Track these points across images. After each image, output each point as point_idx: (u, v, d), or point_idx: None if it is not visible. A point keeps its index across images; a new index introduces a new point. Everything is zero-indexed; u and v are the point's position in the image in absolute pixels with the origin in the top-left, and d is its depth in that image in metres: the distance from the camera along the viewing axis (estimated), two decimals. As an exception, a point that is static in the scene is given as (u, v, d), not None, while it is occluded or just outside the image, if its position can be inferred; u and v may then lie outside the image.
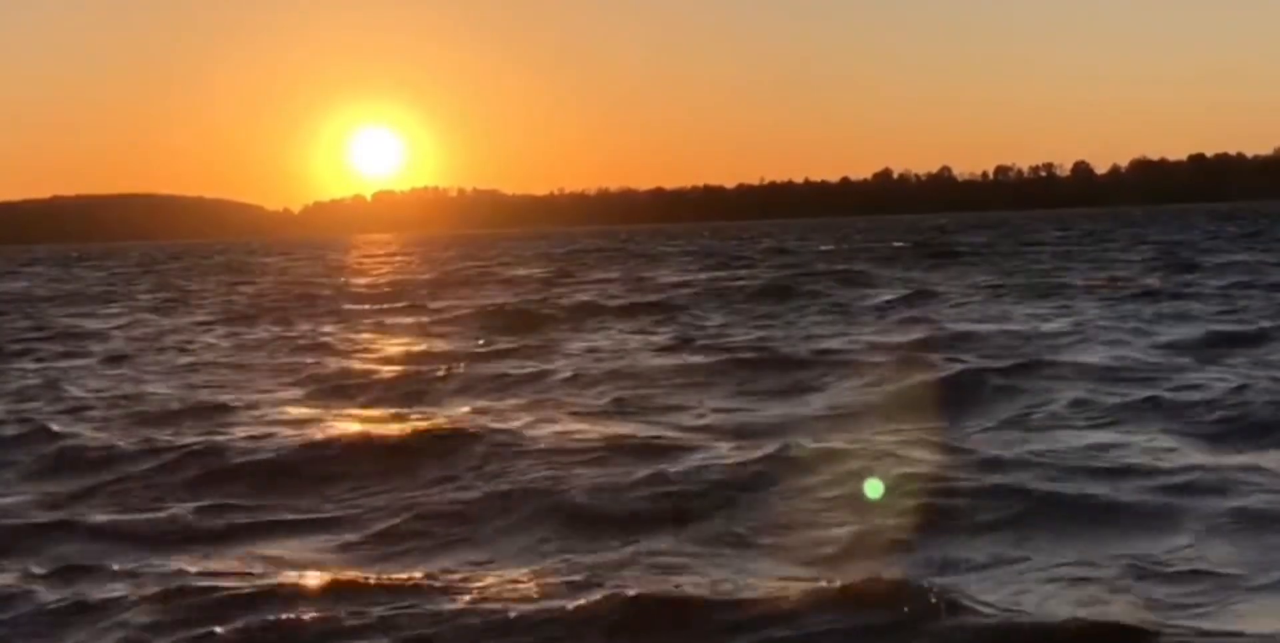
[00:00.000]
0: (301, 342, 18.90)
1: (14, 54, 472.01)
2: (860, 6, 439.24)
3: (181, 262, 75.16)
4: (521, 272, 42.68)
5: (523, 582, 5.99)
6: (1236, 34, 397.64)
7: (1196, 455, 8.34)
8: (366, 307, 26.89)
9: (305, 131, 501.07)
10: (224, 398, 12.72)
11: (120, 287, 42.30)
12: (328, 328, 21.54)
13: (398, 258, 68.50)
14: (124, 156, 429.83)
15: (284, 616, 5.52)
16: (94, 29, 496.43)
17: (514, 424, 10.02)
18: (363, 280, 40.93)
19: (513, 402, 11.81)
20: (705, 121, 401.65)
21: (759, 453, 8.58)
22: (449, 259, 57.72)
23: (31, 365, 16.53)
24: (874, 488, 8.09)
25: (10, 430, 10.59)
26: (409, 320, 22.55)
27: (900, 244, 57.67)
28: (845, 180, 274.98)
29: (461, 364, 14.64)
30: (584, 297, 26.92)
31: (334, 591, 5.87)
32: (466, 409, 11.44)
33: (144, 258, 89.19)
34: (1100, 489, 7.43)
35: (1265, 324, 15.57)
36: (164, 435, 10.07)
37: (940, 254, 43.12)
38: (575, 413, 10.91)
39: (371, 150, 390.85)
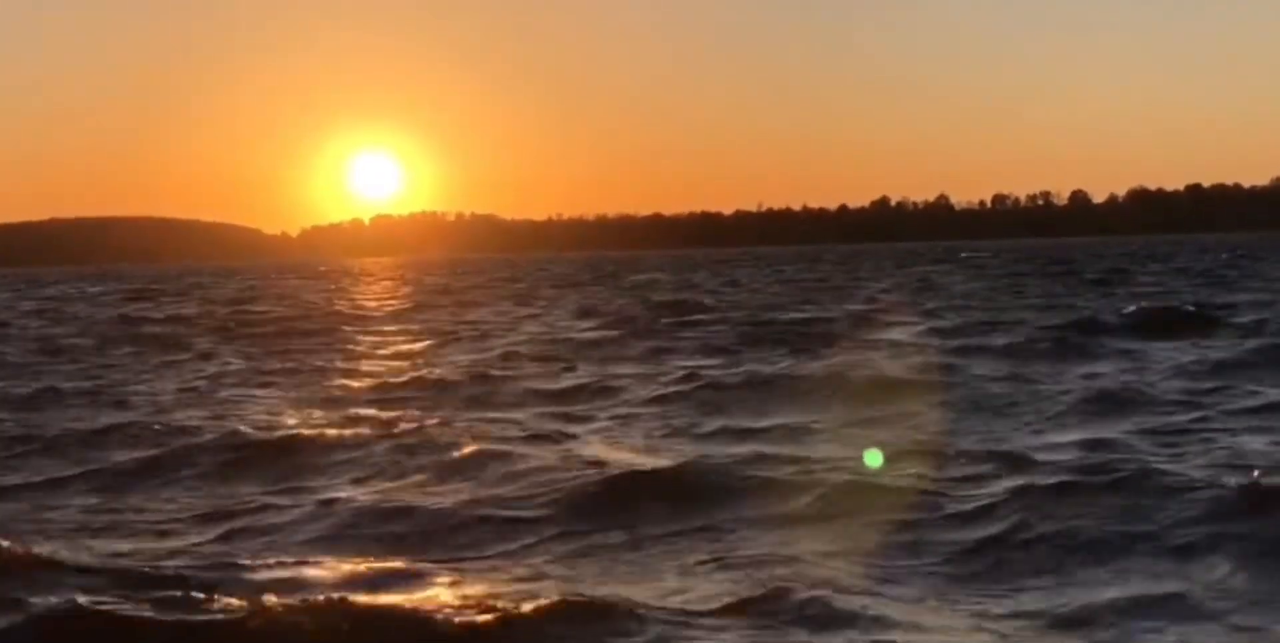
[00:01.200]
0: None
1: (12, 76, 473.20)
2: (859, 35, 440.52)
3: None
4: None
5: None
6: (1235, 65, 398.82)
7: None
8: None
9: (304, 155, 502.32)
10: None
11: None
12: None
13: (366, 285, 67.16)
14: (122, 179, 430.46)
15: None
16: (93, 51, 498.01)
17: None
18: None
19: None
20: (704, 148, 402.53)
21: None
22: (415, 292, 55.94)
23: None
24: (873, 458, 8.76)
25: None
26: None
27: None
28: (843, 208, 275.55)
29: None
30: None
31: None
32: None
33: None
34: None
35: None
36: None
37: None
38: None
39: (370, 175, 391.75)
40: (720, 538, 7.23)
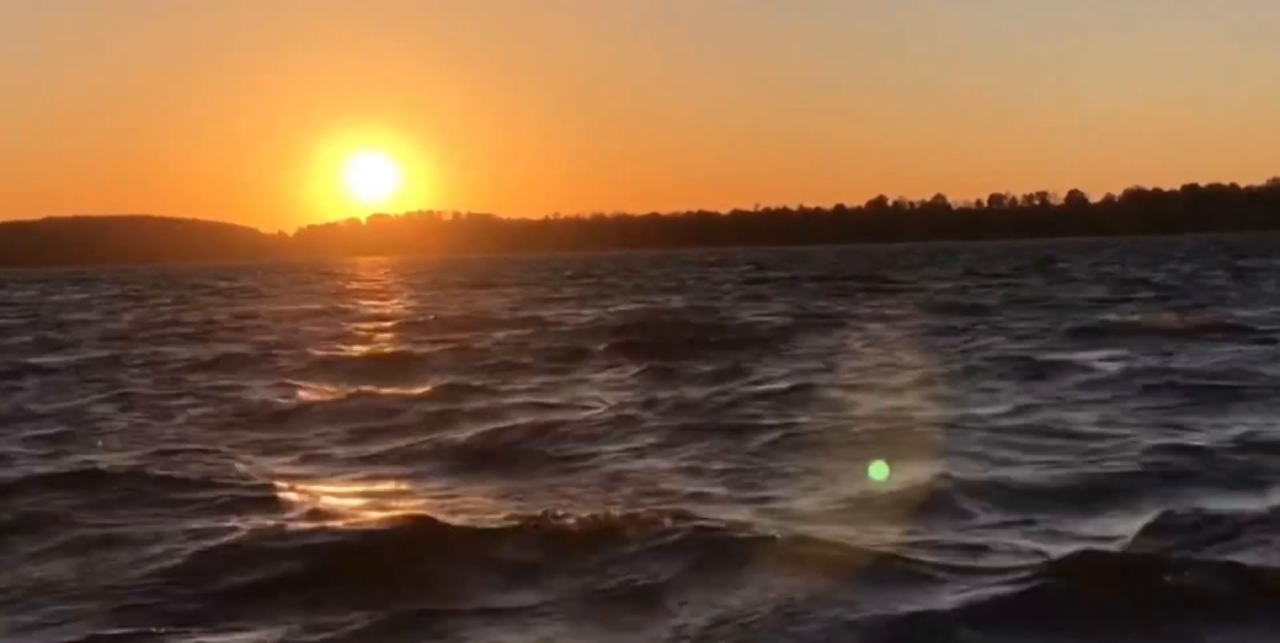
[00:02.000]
0: None
1: (9, 75, 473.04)
2: (856, 35, 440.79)
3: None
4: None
5: None
6: (1232, 65, 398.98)
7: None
8: None
9: (301, 155, 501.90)
10: None
11: None
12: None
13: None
14: (120, 178, 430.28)
15: None
16: (90, 51, 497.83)
17: None
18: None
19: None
20: (701, 148, 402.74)
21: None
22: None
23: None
24: (879, 471, 8.45)
25: None
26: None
27: None
28: (840, 207, 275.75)
29: None
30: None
31: None
32: None
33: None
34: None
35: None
36: None
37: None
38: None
39: (367, 174, 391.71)
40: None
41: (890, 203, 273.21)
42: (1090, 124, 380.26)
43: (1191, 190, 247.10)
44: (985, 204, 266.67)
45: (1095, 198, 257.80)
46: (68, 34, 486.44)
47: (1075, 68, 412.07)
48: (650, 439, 10.71)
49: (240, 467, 9.84)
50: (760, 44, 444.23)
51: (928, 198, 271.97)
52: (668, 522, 6.96)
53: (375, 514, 7.82)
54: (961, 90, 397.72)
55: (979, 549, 6.76)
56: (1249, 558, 6.26)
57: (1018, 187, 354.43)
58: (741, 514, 7.62)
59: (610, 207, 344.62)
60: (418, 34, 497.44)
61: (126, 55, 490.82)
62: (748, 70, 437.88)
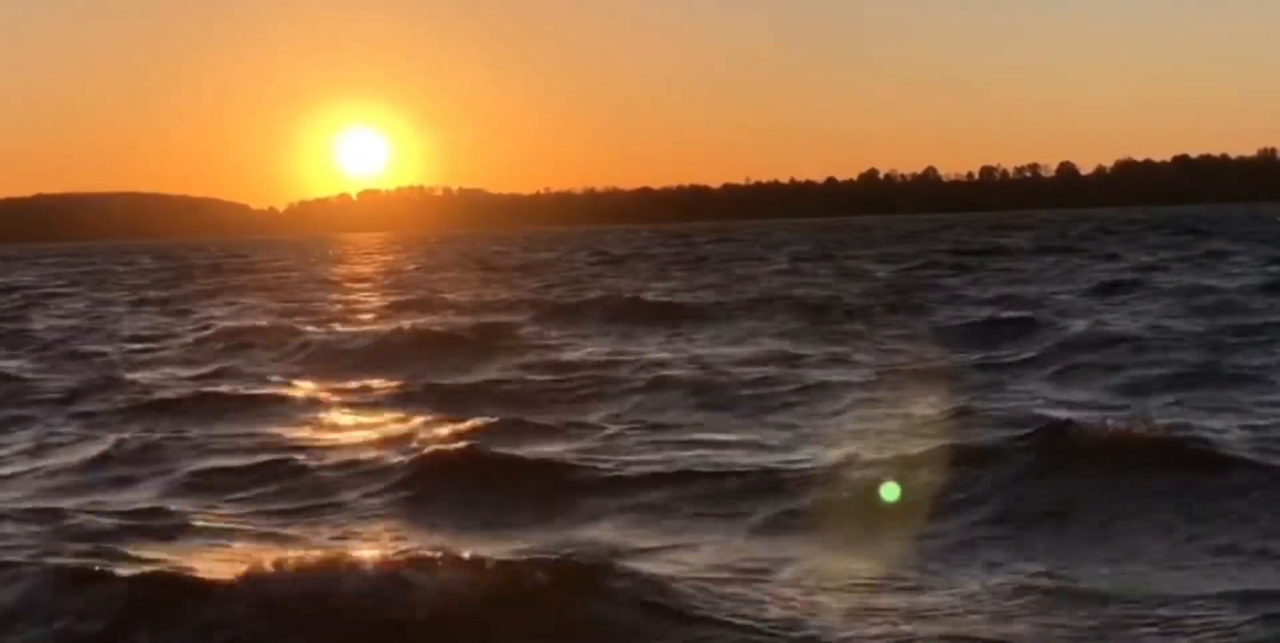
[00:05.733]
0: None
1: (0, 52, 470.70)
2: (848, 9, 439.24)
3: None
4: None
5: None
6: (1223, 36, 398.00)
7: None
8: None
9: (291, 131, 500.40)
10: None
11: None
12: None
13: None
14: (110, 155, 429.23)
15: None
16: (80, 27, 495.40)
17: None
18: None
19: None
20: (691, 121, 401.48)
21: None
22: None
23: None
24: (890, 491, 8.44)
25: None
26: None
27: None
28: (831, 180, 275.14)
29: None
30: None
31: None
32: None
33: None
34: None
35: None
36: None
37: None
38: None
39: (357, 150, 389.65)
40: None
41: (882, 176, 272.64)
42: (1081, 96, 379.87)
43: (1182, 161, 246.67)
44: (976, 176, 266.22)
45: (1086, 169, 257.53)
46: (53, 8, 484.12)
47: (1065, 39, 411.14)
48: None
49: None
50: (750, 17, 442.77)
51: (919, 170, 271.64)
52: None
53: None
54: (952, 63, 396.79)
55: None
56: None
57: (1009, 159, 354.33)
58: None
59: (602, 181, 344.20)
60: (408, 8, 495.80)
61: (115, 31, 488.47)
62: (739, 44, 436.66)
